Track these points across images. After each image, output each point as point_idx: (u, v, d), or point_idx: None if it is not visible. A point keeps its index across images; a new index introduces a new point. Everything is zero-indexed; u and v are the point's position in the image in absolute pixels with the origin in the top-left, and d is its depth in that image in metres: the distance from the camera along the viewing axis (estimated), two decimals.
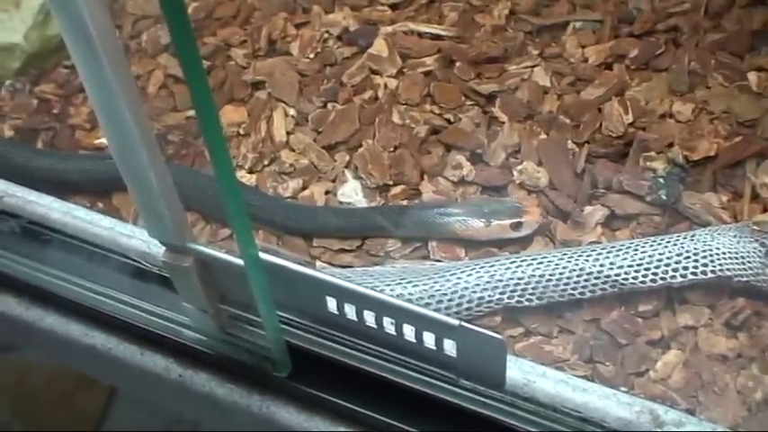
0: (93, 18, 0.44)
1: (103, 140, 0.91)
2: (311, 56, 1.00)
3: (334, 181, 0.88)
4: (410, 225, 0.81)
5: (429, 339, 0.58)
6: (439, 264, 0.79)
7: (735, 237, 0.74)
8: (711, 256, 0.74)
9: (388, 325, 0.59)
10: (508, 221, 0.79)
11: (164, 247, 0.60)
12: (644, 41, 0.96)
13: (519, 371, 0.61)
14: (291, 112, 0.95)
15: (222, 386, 0.67)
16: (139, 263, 0.71)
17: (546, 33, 1.00)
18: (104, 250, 0.72)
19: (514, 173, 0.85)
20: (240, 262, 0.56)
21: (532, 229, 0.80)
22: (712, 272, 0.73)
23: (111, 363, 0.71)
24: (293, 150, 0.91)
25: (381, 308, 0.58)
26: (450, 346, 0.58)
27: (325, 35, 1.02)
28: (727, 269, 0.73)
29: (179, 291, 0.63)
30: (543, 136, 0.88)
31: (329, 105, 0.95)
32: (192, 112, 0.94)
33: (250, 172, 0.89)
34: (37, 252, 0.74)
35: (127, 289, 0.71)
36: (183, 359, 0.69)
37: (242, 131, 0.93)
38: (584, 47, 0.97)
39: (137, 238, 0.71)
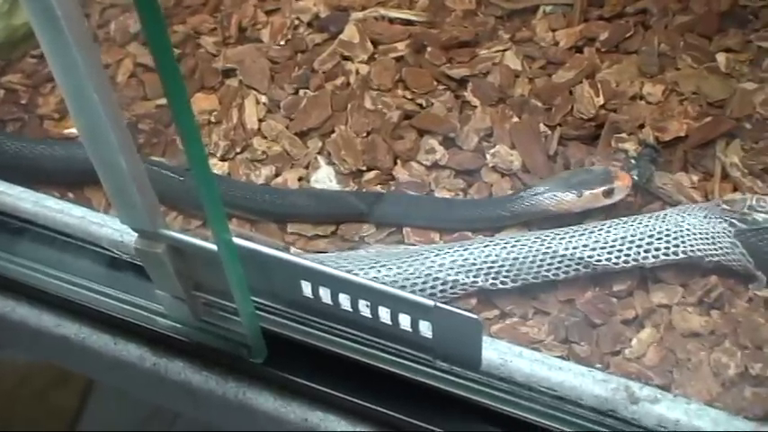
0: (61, 2, 0.44)
1: (73, 130, 0.90)
2: (282, 43, 1.00)
3: (307, 167, 0.87)
4: (501, 214, 0.81)
5: (405, 321, 0.58)
6: (413, 247, 0.79)
7: (705, 217, 0.75)
8: (682, 236, 0.74)
9: (364, 308, 0.59)
10: (600, 189, 0.78)
11: (136, 235, 0.59)
12: (614, 24, 0.97)
13: (495, 351, 0.61)
14: (263, 99, 0.94)
15: (198, 373, 0.67)
16: (112, 252, 0.71)
17: (516, 17, 1.00)
18: (76, 240, 0.72)
19: (487, 156, 0.86)
20: (213, 247, 0.56)
21: (624, 195, 0.79)
22: (683, 252, 0.74)
23: (84, 353, 0.71)
24: (265, 137, 0.90)
25: (356, 290, 0.58)
26: (425, 328, 0.58)
27: (296, 22, 1.02)
28: (698, 249, 0.74)
29: (152, 278, 0.62)
30: (515, 119, 0.89)
31: (301, 92, 0.94)
32: (162, 101, 0.93)
33: (222, 160, 0.89)
34: (6, 242, 0.73)
35: (99, 278, 0.70)
36: (157, 347, 0.69)
37: (213, 119, 0.92)
38: (554, 30, 0.97)
39: (108, 227, 0.71)
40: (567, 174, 0.82)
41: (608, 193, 0.78)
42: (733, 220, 0.75)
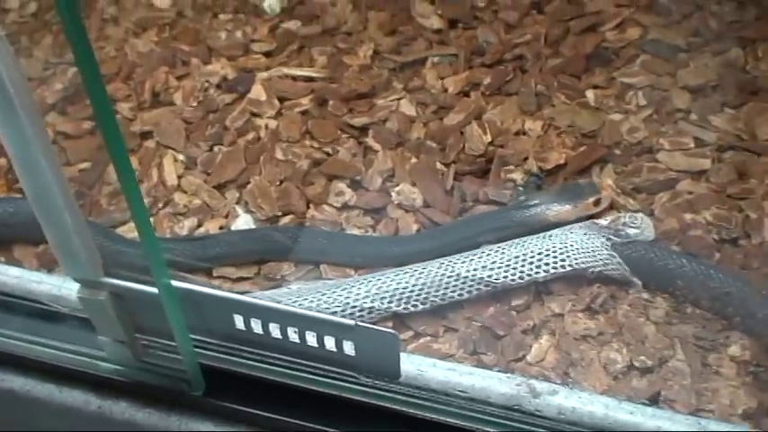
0: (11, 76, 0.50)
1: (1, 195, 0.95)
2: (194, 104, 1.07)
3: (226, 217, 0.94)
4: (503, 228, 0.89)
5: (330, 343, 0.64)
6: (330, 281, 0.86)
7: (585, 234, 0.85)
8: (567, 252, 0.84)
9: (292, 334, 0.65)
10: (592, 199, 0.89)
11: (74, 289, 0.64)
12: (495, 70, 1.08)
13: (412, 364, 0.68)
14: (180, 157, 1.00)
15: (141, 411, 0.71)
16: (51, 306, 0.75)
17: (408, 69, 1.10)
18: (15, 298, 0.76)
19: (392, 195, 0.94)
20: (154, 290, 0.61)
21: (608, 203, 0.90)
22: (570, 265, 0.83)
23: (30, 404, 0.74)
24: (185, 192, 0.97)
25: (284, 318, 0.64)
26: (349, 347, 0.64)
27: (206, 84, 1.09)
28: (582, 262, 0.84)
29: (95, 324, 0.67)
30: (414, 160, 0.98)
31: (216, 148, 1.01)
32: (84, 165, 0.99)
33: None
34: None
35: (41, 331, 0.73)
36: (101, 390, 0.72)
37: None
38: (443, 78, 1.08)
39: (46, 283, 0.74)
40: (556, 189, 0.92)
41: (597, 202, 0.89)
42: (610, 236, 0.85)
